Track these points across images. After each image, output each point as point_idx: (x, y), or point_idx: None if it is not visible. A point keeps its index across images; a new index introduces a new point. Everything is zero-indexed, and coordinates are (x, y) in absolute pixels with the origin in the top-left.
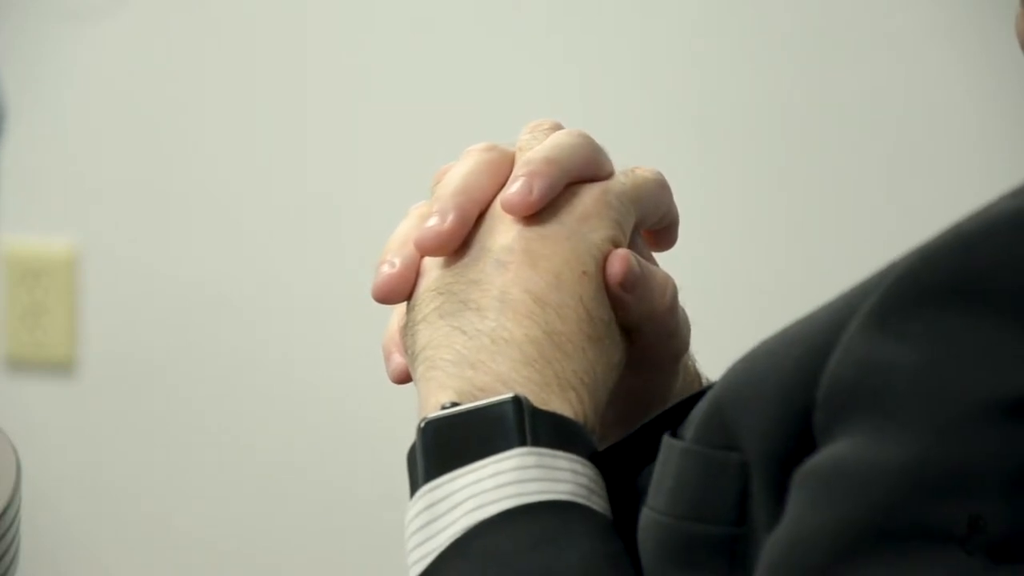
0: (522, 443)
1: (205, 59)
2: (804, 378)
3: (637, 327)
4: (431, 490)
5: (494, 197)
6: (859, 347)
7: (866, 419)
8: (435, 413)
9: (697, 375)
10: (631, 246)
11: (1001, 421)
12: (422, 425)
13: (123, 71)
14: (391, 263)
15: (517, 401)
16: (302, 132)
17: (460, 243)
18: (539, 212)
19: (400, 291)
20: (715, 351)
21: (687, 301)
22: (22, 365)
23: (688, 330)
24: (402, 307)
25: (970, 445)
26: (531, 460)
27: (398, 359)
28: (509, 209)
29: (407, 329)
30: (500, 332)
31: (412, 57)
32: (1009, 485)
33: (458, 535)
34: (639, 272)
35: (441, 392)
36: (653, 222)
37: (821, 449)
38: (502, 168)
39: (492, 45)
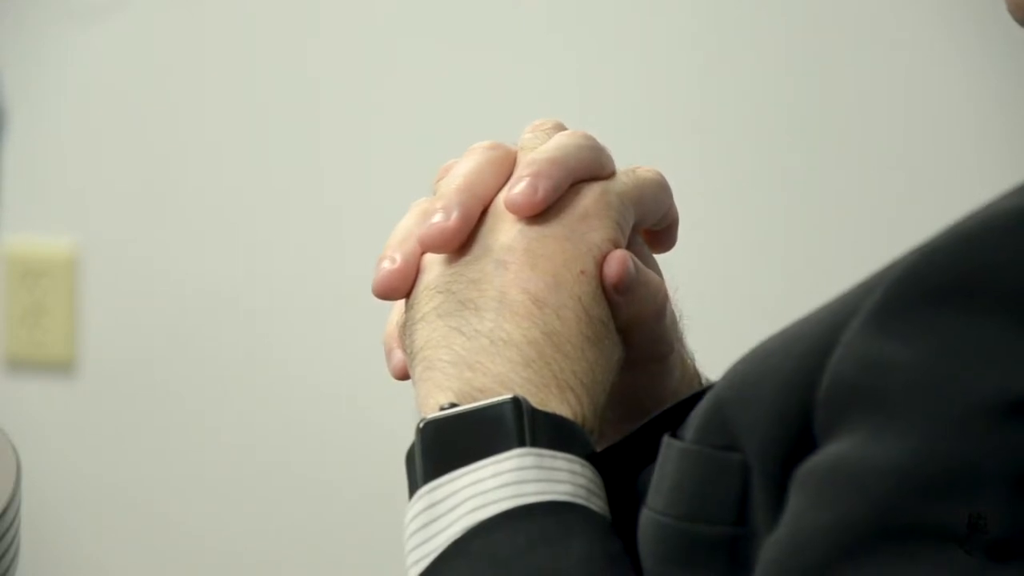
0: (521, 444)
1: (205, 59)
2: (805, 378)
3: (624, 329)
4: (430, 491)
5: (496, 195)
6: (860, 346)
7: (867, 418)
8: (434, 414)
9: (696, 374)
10: (630, 246)
11: (1002, 421)
12: (421, 426)
13: (123, 71)
14: (392, 259)
15: (516, 402)
16: (302, 131)
17: (464, 241)
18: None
19: (400, 287)
20: (715, 351)
21: (686, 301)
22: (22, 365)
23: (675, 330)
24: (402, 303)
25: (971, 445)
26: (530, 461)
27: (399, 355)
28: (514, 209)
29: (406, 327)
30: (498, 333)
31: (412, 56)
32: (1010, 485)
33: (458, 536)
34: (635, 275)
35: (440, 393)
36: (653, 222)
37: (822, 448)
38: (505, 166)
39: (492, 44)
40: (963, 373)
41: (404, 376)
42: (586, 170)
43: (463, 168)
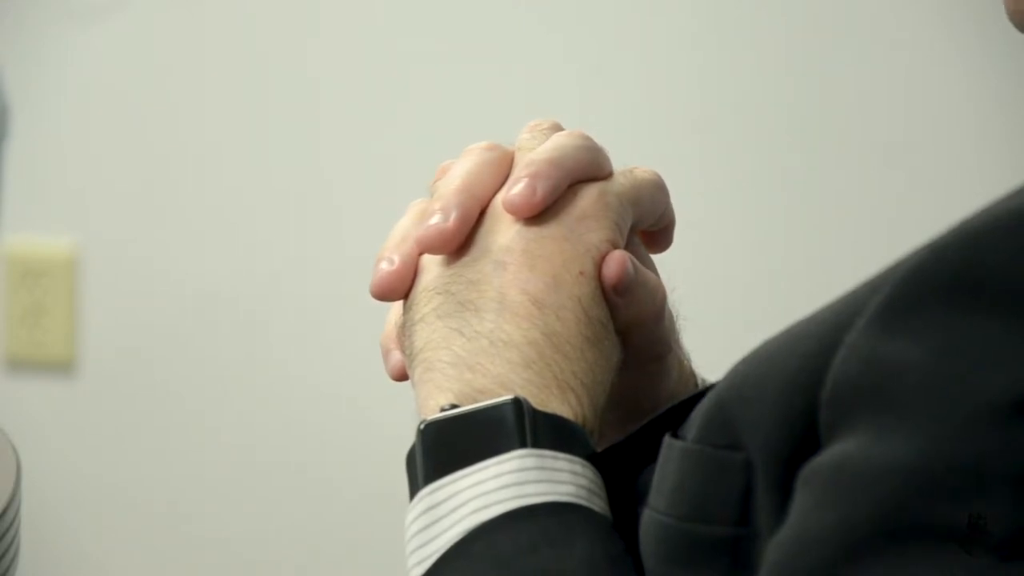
0: (522, 445)
1: (205, 59)
2: (809, 377)
3: (623, 330)
4: (432, 492)
5: (494, 196)
6: (865, 346)
7: (872, 418)
8: (435, 415)
9: (692, 374)
10: (628, 247)
11: (1008, 421)
12: (422, 427)
13: (123, 71)
14: (390, 260)
15: (517, 403)
16: (302, 132)
17: (462, 242)
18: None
19: (398, 288)
20: (713, 352)
21: (685, 301)
22: (22, 365)
23: (673, 331)
24: (400, 304)
25: (976, 444)
26: (531, 462)
27: (397, 356)
28: (512, 210)
29: (404, 329)
30: (498, 334)
31: (412, 56)
32: (1014, 485)
33: (459, 537)
34: (633, 276)
35: (440, 394)
36: (650, 223)
37: (826, 448)
38: (502, 167)
39: (493, 44)
40: (968, 373)
41: (402, 377)
42: (584, 171)
43: (461, 169)
